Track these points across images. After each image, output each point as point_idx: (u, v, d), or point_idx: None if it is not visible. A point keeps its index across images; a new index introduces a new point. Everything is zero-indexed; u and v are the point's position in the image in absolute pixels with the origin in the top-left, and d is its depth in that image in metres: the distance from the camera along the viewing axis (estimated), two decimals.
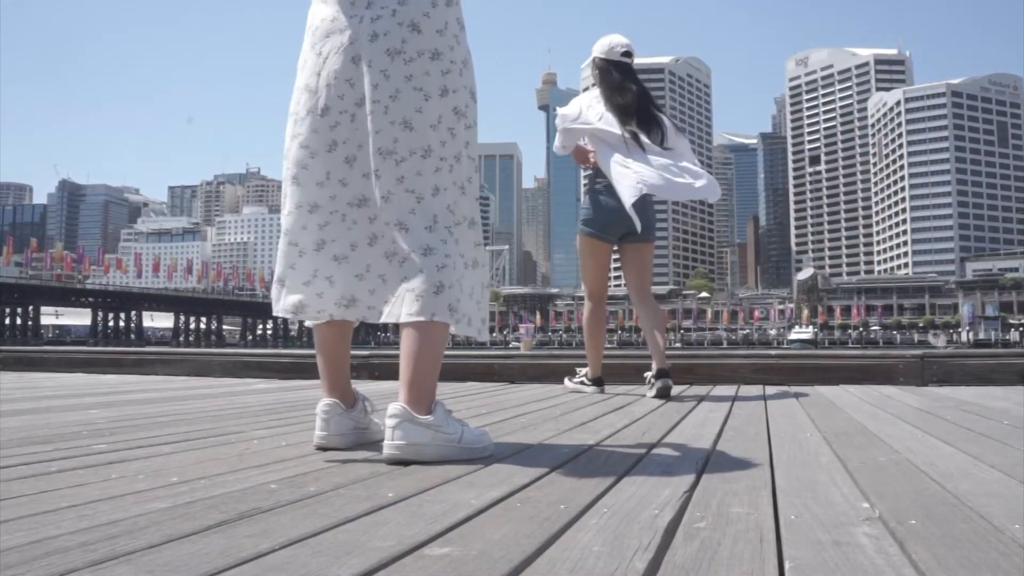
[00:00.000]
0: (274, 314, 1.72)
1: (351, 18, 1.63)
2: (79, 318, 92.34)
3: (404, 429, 1.47)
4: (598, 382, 3.70)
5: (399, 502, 1.11)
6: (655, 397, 3.26)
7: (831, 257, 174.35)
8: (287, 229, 1.71)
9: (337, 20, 1.65)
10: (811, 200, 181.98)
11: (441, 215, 1.60)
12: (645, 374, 3.55)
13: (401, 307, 1.54)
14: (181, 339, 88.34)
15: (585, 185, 3.93)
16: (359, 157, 1.64)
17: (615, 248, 3.75)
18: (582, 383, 3.73)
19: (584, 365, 3.84)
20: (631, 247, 3.69)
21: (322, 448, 1.67)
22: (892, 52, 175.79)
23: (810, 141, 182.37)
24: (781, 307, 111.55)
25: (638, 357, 4.29)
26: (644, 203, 3.49)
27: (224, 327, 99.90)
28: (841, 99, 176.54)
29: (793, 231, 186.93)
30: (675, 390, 3.48)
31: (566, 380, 3.84)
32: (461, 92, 1.65)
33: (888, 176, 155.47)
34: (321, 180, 1.67)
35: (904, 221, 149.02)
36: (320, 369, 1.77)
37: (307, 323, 1.77)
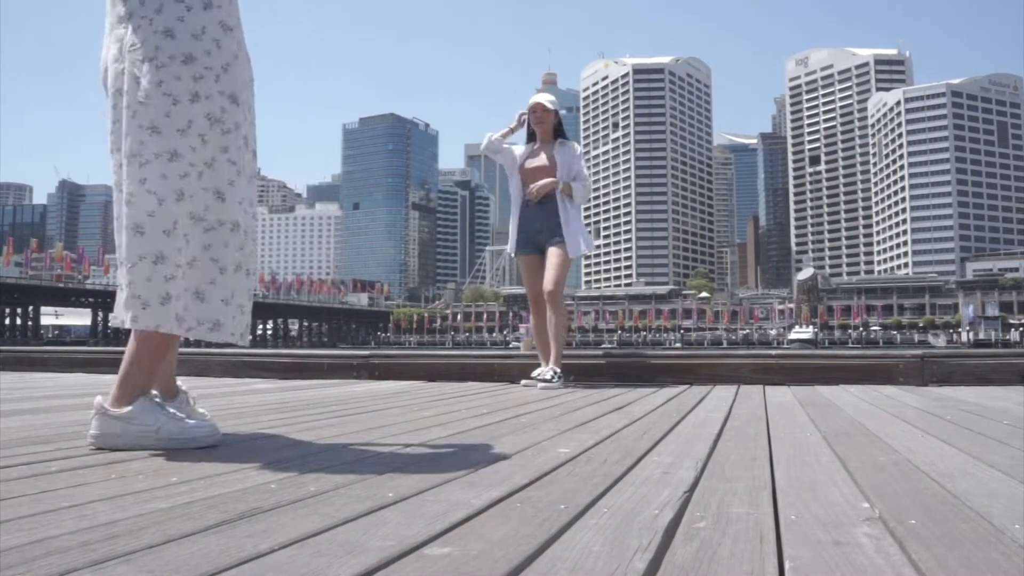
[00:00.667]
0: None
1: (120, 28, 1.70)
2: (79, 318, 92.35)
3: (98, 420, 1.64)
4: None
5: (399, 502, 1.11)
6: (546, 381, 3.96)
7: (831, 257, 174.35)
8: None
9: (114, 31, 1.72)
10: (811, 200, 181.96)
11: (181, 220, 1.64)
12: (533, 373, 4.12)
13: (127, 312, 1.65)
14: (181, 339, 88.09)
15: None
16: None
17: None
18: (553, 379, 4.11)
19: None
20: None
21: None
22: (892, 52, 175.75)
23: (810, 141, 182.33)
24: (781, 307, 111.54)
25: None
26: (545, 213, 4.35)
27: None
28: (841, 99, 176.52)
29: (793, 231, 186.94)
30: (675, 390, 3.58)
31: (539, 385, 4.08)
32: (215, 97, 1.68)
33: (888, 176, 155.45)
34: (115, 186, 1.74)
35: (904, 221, 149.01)
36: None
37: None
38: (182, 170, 1.64)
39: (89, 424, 1.65)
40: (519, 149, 4.58)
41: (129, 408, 1.63)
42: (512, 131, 4.53)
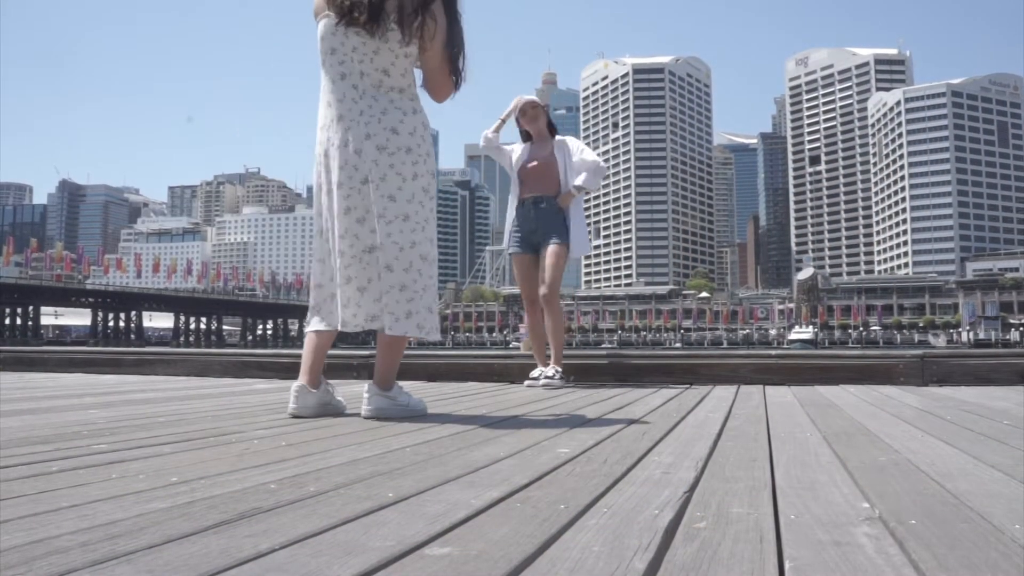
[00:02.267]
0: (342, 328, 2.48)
1: (351, 120, 2.36)
2: (79, 318, 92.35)
3: (375, 399, 2.37)
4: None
5: (399, 502, 1.11)
6: (548, 379, 4.01)
7: (831, 257, 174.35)
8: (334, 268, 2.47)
9: (343, 119, 2.37)
10: (811, 200, 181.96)
11: (415, 261, 2.37)
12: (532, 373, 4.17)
13: (384, 322, 2.35)
14: (181, 339, 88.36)
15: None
16: (366, 219, 2.37)
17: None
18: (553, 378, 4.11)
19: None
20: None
21: (295, 416, 2.38)
22: (892, 52, 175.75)
23: (810, 141, 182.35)
24: (781, 307, 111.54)
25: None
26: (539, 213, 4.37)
27: (224, 327, 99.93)
28: (841, 99, 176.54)
29: (793, 231, 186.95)
30: (675, 390, 3.58)
31: (527, 383, 4.14)
32: (425, 176, 2.42)
33: (888, 176, 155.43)
34: (342, 234, 2.39)
35: (904, 221, 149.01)
36: (306, 361, 2.47)
37: (312, 330, 2.53)
38: (411, 227, 2.37)
39: (365, 400, 2.36)
40: (517, 150, 4.56)
41: (392, 390, 2.39)
42: (504, 121, 4.49)
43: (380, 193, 2.32)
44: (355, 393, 3.56)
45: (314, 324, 2.51)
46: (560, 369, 4.12)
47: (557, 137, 4.50)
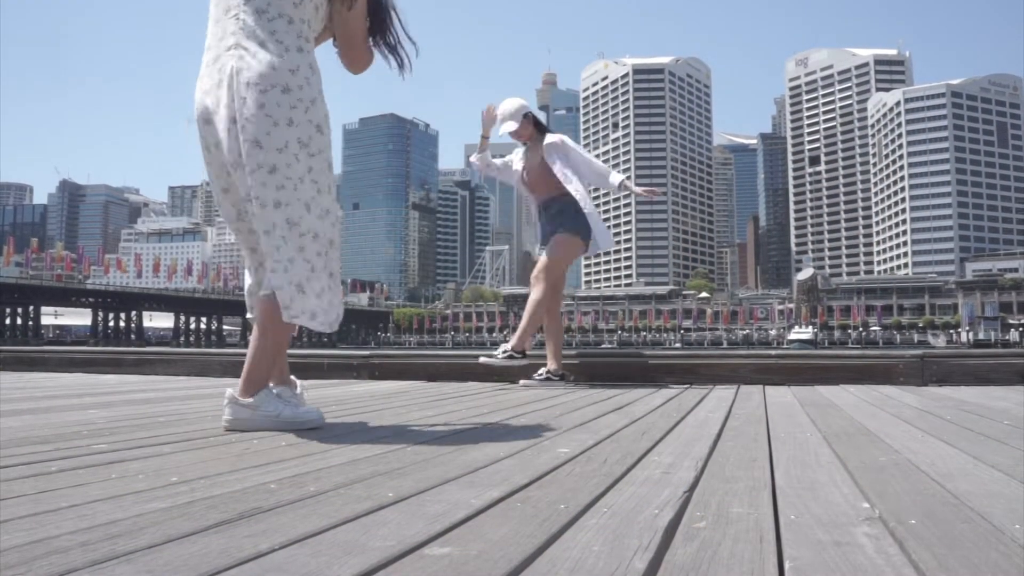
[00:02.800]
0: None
1: (221, 51, 2.00)
2: (79, 318, 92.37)
3: (231, 408, 2.00)
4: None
5: (399, 502, 1.11)
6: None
7: (831, 257, 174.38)
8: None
9: (210, 50, 2.02)
10: (811, 200, 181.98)
11: (279, 225, 1.95)
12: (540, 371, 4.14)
13: (270, 285, 1.99)
14: (181, 339, 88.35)
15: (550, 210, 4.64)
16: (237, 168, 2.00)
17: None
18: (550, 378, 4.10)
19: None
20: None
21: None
22: (892, 52, 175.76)
23: (810, 141, 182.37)
24: (781, 307, 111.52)
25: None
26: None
27: (224, 327, 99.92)
28: (841, 99, 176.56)
29: (793, 231, 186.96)
30: (675, 390, 3.60)
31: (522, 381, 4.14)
32: (305, 125, 1.97)
33: (888, 176, 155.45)
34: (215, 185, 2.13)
35: (904, 221, 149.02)
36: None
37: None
38: (278, 182, 1.94)
39: (225, 411, 2.01)
40: (516, 158, 4.54)
41: (253, 398, 1.99)
42: (485, 137, 4.45)
43: (244, 136, 1.92)
44: (355, 393, 3.56)
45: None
46: (557, 368, 4.12)
47: (547, 140, 4.40)
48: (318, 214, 2.01)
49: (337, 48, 2.18)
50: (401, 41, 2.22)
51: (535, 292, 4.23)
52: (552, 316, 4.30)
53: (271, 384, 2.11)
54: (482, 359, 4.21)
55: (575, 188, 4.23)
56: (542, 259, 4.31)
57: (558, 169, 4.28)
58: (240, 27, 1.98)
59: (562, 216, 4.30)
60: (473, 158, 4.57)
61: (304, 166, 1.97)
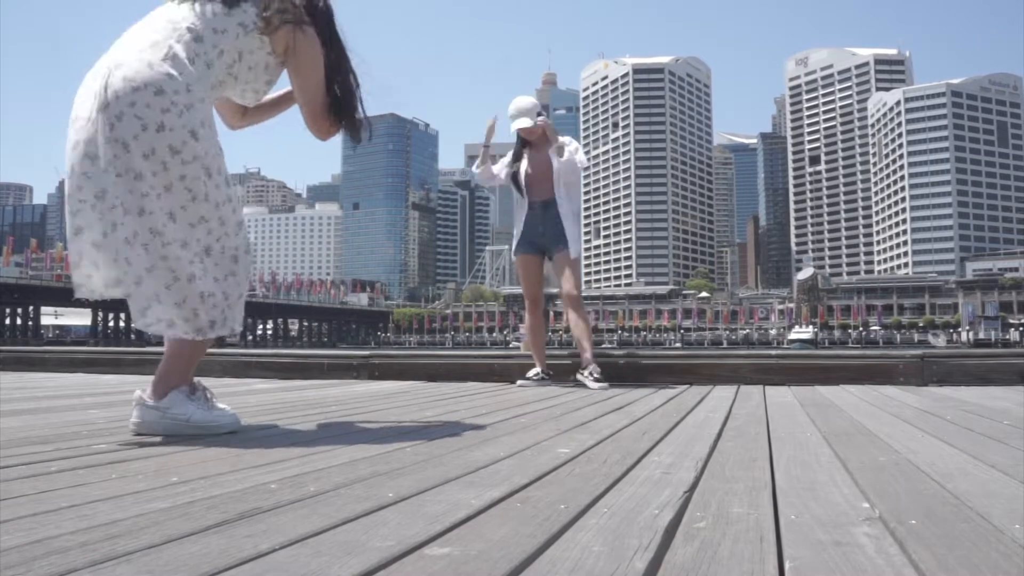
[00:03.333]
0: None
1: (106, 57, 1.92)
2: (79, 318, 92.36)
3: (139, 410, 1.92)
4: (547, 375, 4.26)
5: (399, 502, 1.11)
6: (597, 380, 3.95)
7: (831, 257, 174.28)
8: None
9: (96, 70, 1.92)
10: (811, 200, 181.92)
11: (140, 233, 1.85)
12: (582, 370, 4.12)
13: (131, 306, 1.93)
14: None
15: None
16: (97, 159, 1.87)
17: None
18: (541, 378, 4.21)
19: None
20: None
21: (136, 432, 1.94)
22: (892, 52, 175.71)
23: (810, 141, 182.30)
24: (781, 307, 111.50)
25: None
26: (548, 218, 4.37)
27: None
28: (841, 99, 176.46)
29: (793, 231, 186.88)
30: (675, 390, 3.64)
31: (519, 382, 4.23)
32: (178, 131, 1.85)
33: (888, 176, 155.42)
34: (69, 173, 1.93)
35: (904, 221, 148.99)
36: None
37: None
38: (143, 189, 1.84)
39: (132, 413, 1.91)
40: (506, 160, 4.55)
41: (164, 399, 1.90)
42: (487, 147, 4.47)
43: (113, 135, 1.81)
44: (355, 394, 3.56)
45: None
46: (597, 368, 4.10)
47: (567, 152, 4.41)
48: (188, 222, 1.91)
49: (302, 114, 2.13)
50: (365, 117, 2.19)
51: (583, 320, 4.29)
52: (584, 317, 4.33)
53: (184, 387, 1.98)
54: (519, 382, 4.21)
55: (570, 210, 4.37)
56: (571, 287, 4.29)
57: (562, 185, 4.36)
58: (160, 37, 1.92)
59: (559, 228, 4.34)
60: (475, 169, 4.56)
61: (176, 175, 1.86)
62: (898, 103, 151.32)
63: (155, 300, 1.90)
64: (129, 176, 1.82)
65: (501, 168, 4.55)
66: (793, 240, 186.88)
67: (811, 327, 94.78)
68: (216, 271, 1.97)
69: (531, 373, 4.21)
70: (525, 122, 4.38)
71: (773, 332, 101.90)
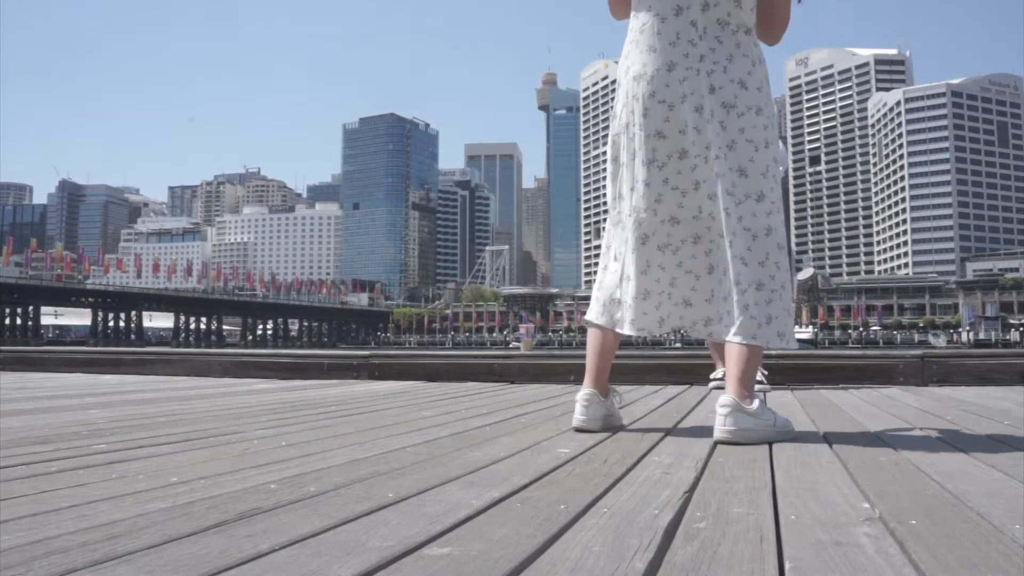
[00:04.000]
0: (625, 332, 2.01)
1: (688, 69, 1.91)
2: (79, 318, 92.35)
3: (735, 417, 1.77)
4: None
5: (399, 502, 1.11)
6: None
7: (831, 257, 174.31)
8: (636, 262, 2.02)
9: (674, 71, 1.91)
10: (811, 200, 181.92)
11: (772, 252, 1.89)
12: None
13: (738, 331, 1.86)
14: (181, 339, 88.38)
15: None
16: (686, 198, 1.96)
17: None
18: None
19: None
20: None
21: (580, 430, 1.95)
22: (892, 52, 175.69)
23: (810, 141, 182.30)
24: None
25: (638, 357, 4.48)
26: None
27: (224, 327, 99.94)
28: (841, 99, 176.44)
29: (793, 231, 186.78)
30: (675, 390, 3.58)
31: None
32: (775, 144, 1.94)
33: (888, 176, 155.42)
34: (661, 217, 1.99)
35: (904, 221, 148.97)
36: (590, 365, 2.04)
37: (597, 323, 2.06)
38: (767, 209, 1.90)
39: (722, 420, 1.77)
40: None
41: (756, 405, 1.81)
42: None
43: (728, 165, 1.87)
44: (355, 394, 3.56)
45: (600, 319, 2.05)
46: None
47: None
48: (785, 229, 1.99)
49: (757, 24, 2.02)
50: None
51: None
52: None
53: (592, 388, 1.99)
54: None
55: None
56: None
57: None
58: (700, 35, 1.91)
59: None
60: None
61: (779, 186, 1.98)
62: (898, 103, 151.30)
63: (787, 313, 1.92)
64: (752, 199, 1.91)
65: None
66: (793, 240, 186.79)
67: (811, 327, 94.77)
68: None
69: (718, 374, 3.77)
70: None
71: None
